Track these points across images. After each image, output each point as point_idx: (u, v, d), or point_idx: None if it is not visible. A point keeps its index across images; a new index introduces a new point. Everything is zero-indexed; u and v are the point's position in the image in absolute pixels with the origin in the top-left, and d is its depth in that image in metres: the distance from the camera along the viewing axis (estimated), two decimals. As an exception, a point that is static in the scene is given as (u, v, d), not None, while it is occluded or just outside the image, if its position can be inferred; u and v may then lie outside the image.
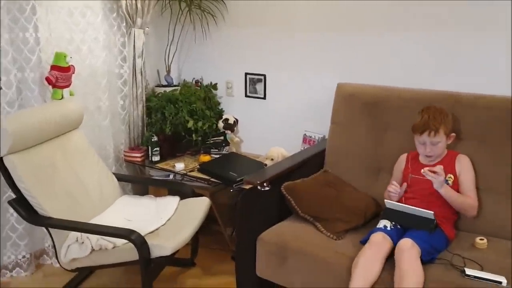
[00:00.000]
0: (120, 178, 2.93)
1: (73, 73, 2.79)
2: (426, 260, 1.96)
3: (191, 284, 2.74)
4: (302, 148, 3.07)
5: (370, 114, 2.62)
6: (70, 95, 2.81)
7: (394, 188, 2.26)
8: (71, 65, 2.77)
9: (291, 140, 3.17)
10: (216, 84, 3.51)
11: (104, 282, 2.77)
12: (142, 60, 3.28)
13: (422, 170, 2.16)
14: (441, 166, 2.17)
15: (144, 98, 3.34)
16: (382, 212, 2.26)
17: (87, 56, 3.03)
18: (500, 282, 1.81)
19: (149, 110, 3.35)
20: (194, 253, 2.85)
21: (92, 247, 2.29)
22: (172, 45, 3.51)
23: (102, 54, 3.10)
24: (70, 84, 2.79)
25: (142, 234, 2.25)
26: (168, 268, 2.80)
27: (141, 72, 3.28)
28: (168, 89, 3.39)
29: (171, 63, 3.53)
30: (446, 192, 2.17)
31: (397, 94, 2.57)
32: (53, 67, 2.70)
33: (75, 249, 2.32)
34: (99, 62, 3.09)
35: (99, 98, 3.13)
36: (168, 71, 3.53)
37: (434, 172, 2.13)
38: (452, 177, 2.24)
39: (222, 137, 3.34)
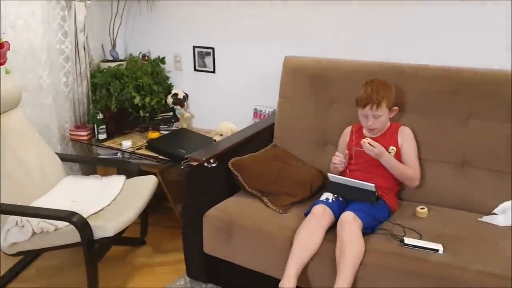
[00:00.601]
0: (64, 158, 2.83)
1: (8, 49, 2.64)
2: (368, 232, 1.99)
3: (140, 262, 2.72)
4: (253, 123, 3.05)
5: (316, 87, 2.60)
6: (6, 73, 2.66)
7: (339, 159, 2.27)
8: (5, 41, 2.61)
9: (242, 114, 3.14)
10: (164, 58, 3.42)
11: (52, 264, 2.71)
12: (84, 34, 3.14)
13: (362, 141, 2.18)
14: (376, 143, 2.18)
15: (88, 74, 3.22)
16: (326, 185, 2.27)
17: (24, 32, 2.87)
18: (437, 250, 1.86)
19: (94, 87, 3.23)
20: (143, 232, 2.82)
21: (33, 230, 2.21)
22: (116, 18, 3.38)
23: (40, 29, 2.94)
24: (5, 62, 2.64)
25: (86, 215, 2.20)
26: (118, 247, 2.76)
27: (84, 47, 3.16)
28: (113, 64, 3.28)
29: (116, 37, 3.41)
30: (386, 161, 2.20)
31: (342, 67, 2.56)
32: (-15, 44, 2.56)
33: (15, 233, 2.24)
34: (37, 37, 2.94)
35: (39, 75, 2.99)
36: (113, 46, 3.41)
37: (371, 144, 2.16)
38: (395, 149, 2.27)
39: (171, 113, 3.27)
